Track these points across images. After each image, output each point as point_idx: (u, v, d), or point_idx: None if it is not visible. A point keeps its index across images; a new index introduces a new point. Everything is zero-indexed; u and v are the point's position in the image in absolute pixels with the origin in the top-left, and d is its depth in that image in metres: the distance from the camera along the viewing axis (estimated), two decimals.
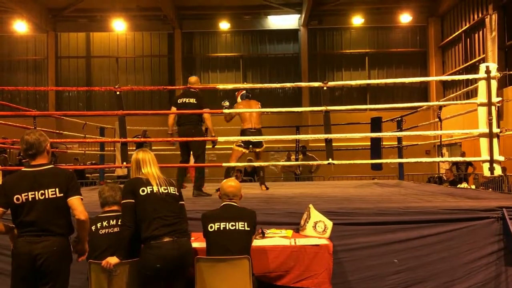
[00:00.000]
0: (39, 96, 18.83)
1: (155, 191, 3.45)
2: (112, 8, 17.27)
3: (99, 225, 3.69)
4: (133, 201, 3.43)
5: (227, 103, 6.79)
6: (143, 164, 3.57)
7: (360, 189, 7.57)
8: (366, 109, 14.03)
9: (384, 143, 9.42)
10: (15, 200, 3.17)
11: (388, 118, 9.23)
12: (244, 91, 7.12)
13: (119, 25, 17.71)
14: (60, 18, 18.31)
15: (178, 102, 6.43)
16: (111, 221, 3.71)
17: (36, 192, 3.19)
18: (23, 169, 3.35)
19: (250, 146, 6.81)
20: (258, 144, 6.86)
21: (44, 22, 17.94)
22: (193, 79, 6.59)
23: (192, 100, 6.33)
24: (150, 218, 3.38)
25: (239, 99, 7.10)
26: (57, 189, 3.22)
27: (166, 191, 3.51)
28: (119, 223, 3.62)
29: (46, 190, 3.20)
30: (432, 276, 4.34)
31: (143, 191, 3.44)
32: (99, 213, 3.89)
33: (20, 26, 17.69)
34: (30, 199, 3.18)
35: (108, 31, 18.33)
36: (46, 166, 3.29)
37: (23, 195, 3.18)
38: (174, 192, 3.56)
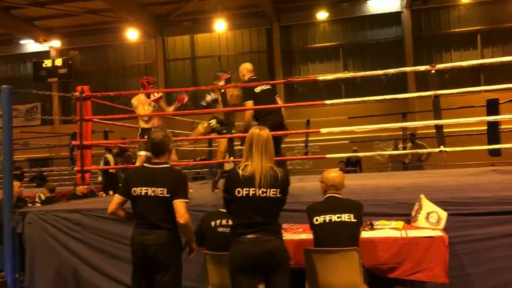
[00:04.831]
0: None
1: (251, 195, 3.15)
2: (213, 9, 17.88)
3: (218, 222, 3.76)
4: (229, 197, 3.27)
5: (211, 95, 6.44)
6: (253, 150, 3.20)
7: (477, 177, 7.06)
8: (480, 91, 12.99)
9: (502, 126, 8.72)
10: (132, 192, 3.43)
11: (506, 99, 8.52)
12: (228, 75, 6.40)
13: (220, 25, 18.31)
14: (166, 23, 19.41)
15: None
16: (230, 221, 3.78)
17: (149, 188, 3.40)
18: (144, 164, 3.63)
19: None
20: None
21: (153, 28, 19.16)
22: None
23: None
24: (240, 219, 3.23)
25: (222, 83, 6.27)
26: (165, 189, 3.38)
27: (264, 194, 3.14)
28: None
29: (156, 188, 3.39)
30: None
31: (238, 192, 3.18)
32: (208, 207, 4.04)
33: (132, 34, 19.12)
34: (143, 194, 3.41)
35: (210, 31, 19.03)
36: (163, 165, 3.49)
37: (138, 188, 3.42)
38: (274, 195, 3.16)
